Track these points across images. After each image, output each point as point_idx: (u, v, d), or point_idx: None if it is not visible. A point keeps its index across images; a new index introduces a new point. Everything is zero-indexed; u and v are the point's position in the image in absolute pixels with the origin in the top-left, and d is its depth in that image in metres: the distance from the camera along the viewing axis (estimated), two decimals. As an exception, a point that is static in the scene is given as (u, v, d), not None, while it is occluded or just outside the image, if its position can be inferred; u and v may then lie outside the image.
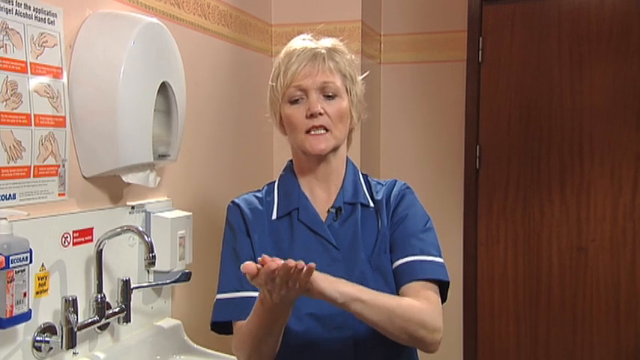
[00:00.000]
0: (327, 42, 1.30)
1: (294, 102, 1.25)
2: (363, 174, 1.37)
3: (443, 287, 1.25)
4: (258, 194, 1.35)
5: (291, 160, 1.36)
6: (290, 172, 1.34)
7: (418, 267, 1.22)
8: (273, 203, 1.32)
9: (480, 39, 2.79)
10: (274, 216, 1.30)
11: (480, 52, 2.80)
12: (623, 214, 2.68)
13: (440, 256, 1.26)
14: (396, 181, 1.35)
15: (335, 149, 1.28)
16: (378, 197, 1.31)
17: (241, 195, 1.36)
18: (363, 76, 1.34)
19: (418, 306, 1.16)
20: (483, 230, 2.86)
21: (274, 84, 1.28)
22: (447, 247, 2.78)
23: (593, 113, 2.69)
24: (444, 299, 1.26)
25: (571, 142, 2.72)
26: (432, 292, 1.21)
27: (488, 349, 2.89)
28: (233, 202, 1.34)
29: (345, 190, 1.30)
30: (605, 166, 2.69)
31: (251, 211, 1.31)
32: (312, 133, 1.24)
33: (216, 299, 1.28)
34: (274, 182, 1.37)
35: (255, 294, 1.17)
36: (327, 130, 1.24)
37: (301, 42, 1.29)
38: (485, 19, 2.80)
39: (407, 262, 1.23)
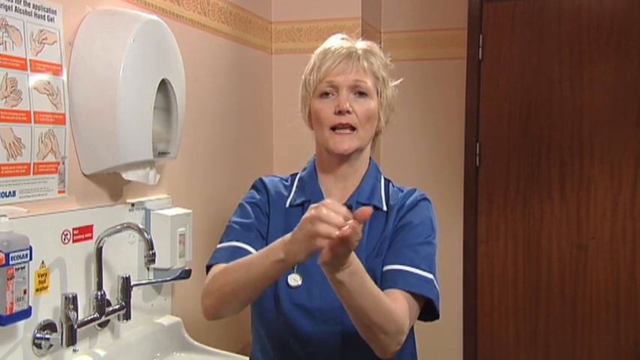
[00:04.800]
0: (362, 43, 1.31)
1: (324, 96, 1.26)
2: (385, 179, 1.37)
3: (430, 302, 1.22)
4: (285, 181, 1.39)
5: (315, 156, 1.38)
6: (312, 166, 1.36)
7: (401, 277, 1.20)
8: (291, 192, 1.35)
9: (481, 36, 2.79)
10: (287, 204, 1.33)
11: (481, 49, 2.79)
12: (623, 212, 2.68)
13: (430, 272, 1.22)
14: (415, 189, 1.35)
15: (358, 150, 1.28)
16: (393, 202, 1.31)
17: (269, 176, 1.40)
18: (397, 82, 1.35)
19: (401, 308, 1.14)
20: (483, 228, 2.86)
21: (307, 78, 1.29)
22: (447, 245, 2.82)
23: (593, 111, 2.69)
24: (433, 314, 1.24)
25: (571, 139, 2.72)
26: (407, 304, 1.18)
27: (488, 346, 2.89)
28: (262, 180, 1.38)
29: (362, 190, 1.31)
30: (605, 164, 2.69)
31: (276, 194, 1.35)
32: (338, 131, 1.24)
33: (216, 248, 1.29)
34: (297, 173, 1.39)
35: (246, 246, 1.23)
36: (353, 129, 1.25)
37: (338, 40, 1.31)
38: (486, 16, 2.79)
39: (393, 270, 1.21)
